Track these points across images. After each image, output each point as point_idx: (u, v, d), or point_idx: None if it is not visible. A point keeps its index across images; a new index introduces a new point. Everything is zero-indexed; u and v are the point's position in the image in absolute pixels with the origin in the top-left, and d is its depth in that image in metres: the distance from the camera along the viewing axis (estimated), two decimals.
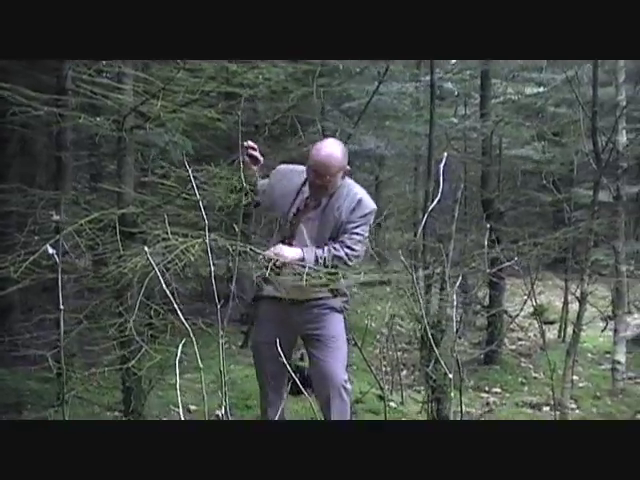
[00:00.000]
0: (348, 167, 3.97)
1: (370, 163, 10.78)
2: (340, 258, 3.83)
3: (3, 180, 5.96)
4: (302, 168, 4.01)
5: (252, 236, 6.72)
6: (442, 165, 4.46)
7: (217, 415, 4.57)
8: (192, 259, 3.10)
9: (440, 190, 4.44)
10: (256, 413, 5.37)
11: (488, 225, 5.91)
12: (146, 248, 2.82)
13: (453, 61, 9.65)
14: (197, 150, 6.00)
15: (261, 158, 4.10)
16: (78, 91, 4.29)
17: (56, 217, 3.64)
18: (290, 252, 3.83)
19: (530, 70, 9.15)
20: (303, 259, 3.78)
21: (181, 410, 2.69)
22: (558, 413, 5.50)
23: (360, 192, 4.00)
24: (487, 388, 7.21)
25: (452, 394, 3.82)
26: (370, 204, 3.99)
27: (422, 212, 5.51)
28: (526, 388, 7.26)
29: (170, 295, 2.66)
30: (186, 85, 4.07)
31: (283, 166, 4.26)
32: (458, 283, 4.17)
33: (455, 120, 9.12)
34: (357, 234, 3.91)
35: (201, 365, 2.47)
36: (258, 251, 3.48)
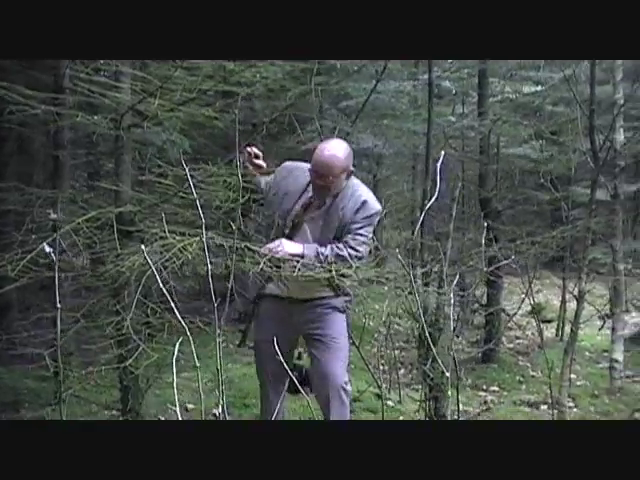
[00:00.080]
0: (352, 168, 3.92)
1: (368, 162, 10.77)
2: (343, 258, 3.78)
3: (0, 179, 5.95)
4: (307, 166, 3.94)
5: (251, 235, 6.71)
6: (439, 164, 4.46)
7: (214, 414, 4.59)
8: (189, 257, 3.11)
9: (438, 189, 4.45)
10: (253, 412, 5.38)
11: (486, 224, 5.92)
12: (143, 247, 2.82)
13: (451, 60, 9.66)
14: (194, 149, 5.99)
15: (264, 164, 4.08)
16: (76, 90, 4.29)
17: (53, 215, 3.64)
18: (291, 246, 3.80)
19: (528, 69, 9.15)
20: (303, 255, 3.75)
21: (178, 409, 2.69)
22: (556, 411, 5.50)
23: (365, 193, 3.95)
24: (485, 387, 7.22)
25: (449, 393, 3.82)
26: (375, 205, 3.95)
27: (420, 210, 5.50)
28: (524, 386, 7.26)
29: (167, 293, 2.65)
30: (183, 84, 4.07)
31: (288, 163, 4.19)
32: (456, 281, 4.17)
33: (453, 119, 9.11)
34: (361, 235, 3.87)
35: (198, 364, 2.47)
36: (255, 248, 3.47)
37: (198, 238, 3.04)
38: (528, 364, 8.08)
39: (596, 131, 6.25)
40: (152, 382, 4.62)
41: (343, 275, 3.71)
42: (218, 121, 4.35)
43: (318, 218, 3.93)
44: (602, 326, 9.26)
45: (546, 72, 8.82)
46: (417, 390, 6.15)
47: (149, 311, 3.82)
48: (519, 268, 7.46)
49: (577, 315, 5.89)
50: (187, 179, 3.03)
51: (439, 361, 3.70)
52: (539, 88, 8.88)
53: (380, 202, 4.15)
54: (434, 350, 4.12)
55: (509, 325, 8.96)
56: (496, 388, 7.20)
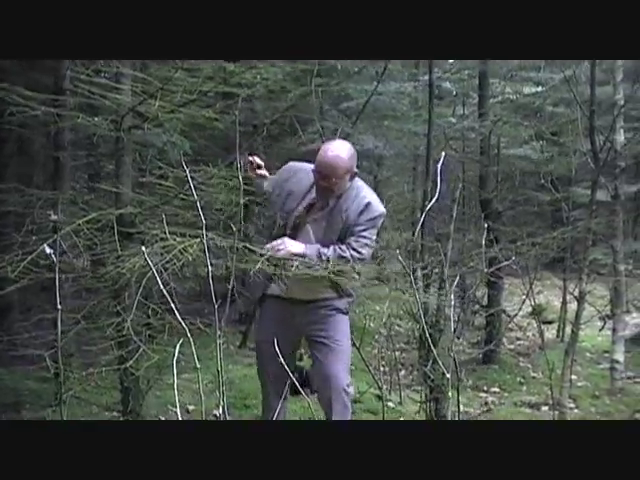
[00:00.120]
0: (356, 169, 3.89)
1: (369, 163, 10.78)
2: (345, 259, 3.75)
3: (1, 180, 5.96)
4: (311, 167, 3.91)
5: (252, 236, 6.71)
6: (440, 165, 4.46)
7: (215, 415, 4.59)
8: (190, 259, 3.11)
9: (438, 190, 4.45)
10: (254, 413, 5.38)
11: (486, 225, 5.92)
12: (144, 248, 2.82)
13: (451, 60, 9.66)
14: (195, 150, 6.00)
15: (266, 173, 4.07)
16: (76, 91, 4.28)
17: (54, 217, 3.64)
18: (293, 245, 3.77)
19: (528, 70, 9.16)
20: (305, 255, 3.73)
21: (179, 410, 2.69)
22: (557, 412, 5.50)
23: (369, 195, 3.92)
24: (486, 388, 7.22)
25: (450, 394, 3.82)
26: (378, 208, 3.91)
27: (420, 211, 5.51)
28: (525, 388, 7.27)
29: (168, 295, 2.66)
30: (184, 85, 4.07)
31: (292, 163, 4.16)
32: (456, 283, 4.16)
33: (453, 120, 9.12)
34: (364, 237, 3.84)
35: (198, 365, 2.47)
36: (253, 248, 3.47)
37: (199, 239, 3.04)
38: (529, 365, 8.08)
39: (596, 132, 6.25)
40: (153, 383, 4.62)
41: (341, 271, 3.68)
42: (219, 122, 4.35)
43: (321, 219, 3.90)
44: (603, 327, 9.26)
45: (546, 73, 8.83)
46: (418, 391, 6.15)
47: (150, 312, 3.82)
48: (520, 269, 7.46)
49: (578, 316, 5.89)
50: (188, 181, 3.03)
51: (440, 362, 3.70)
52: (539, 89, 8.89)
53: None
54: (435, 351, 4.12)
55: (510, 326, 8.96)
56: (497, 389, 7.21)
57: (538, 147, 8.84)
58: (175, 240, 3.12)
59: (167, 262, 3.08)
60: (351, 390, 4.10)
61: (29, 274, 3.44)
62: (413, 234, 5.51)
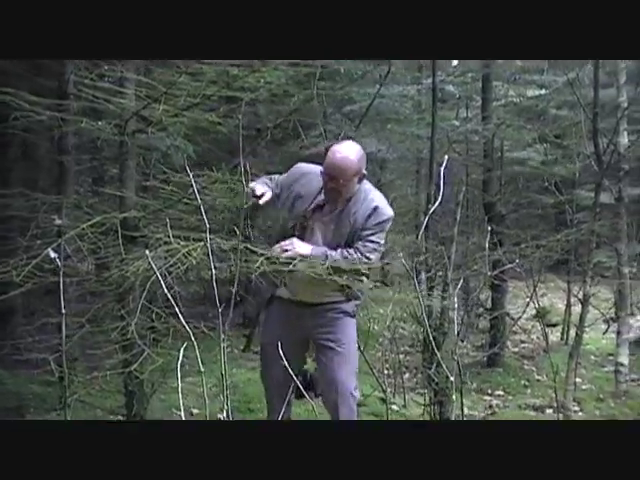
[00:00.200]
0: (364, 172, 3.85)
1: (372, 166, 10.76)
2: (352, 263, 3.72)
3: (5, 184, 5.96)
4: (320, 169, 3.87)
5: (255, 239, 6.72)
6: (443, 168, 4.46)
7: (219, 418, 4.59)
8: (194, 262, 3.11)
9: (441, 193, 4.45)
10: (258, 416, 5.38)
11: (490, 228, 5.92)
12: (148, 252, 2.83)
13: (455, 63, 9.68)
14: (199, 154, 6.00)
15: (270, 196, 3.97)
16: (80, 95, 4.30)
17: (58, 221, 3.66)
18: (301, 247, 3.74)
19: (531, 72, 9.16)
20: (312, 257, 3.69)
21: (183, 414, 2.69)
22: (561, 415, 5.50)
23: (377, 198, 3.89)
24: (490, 391, 7.21)
25: (454, 397, 3.82)
26: (387, 211, 3.87)
27: (424, 215, 5.51)
28: (529, 391, 7.26)
29: (172, 298, 2.66)
30: (187, 89, 4.07)
31: (302, 165, 4.10)
32: (460, 285, 4.16)
33: (457, 123, 9.13)
34: (372, 242, 3.81)
35: (202, 369, 2.47)
36: (259, 250, 3.46)
37: (202, 243, 3.04)
38: (533, 368, 8.07)
39: (600, 134, 6.25)
40: (157, 387, 4.63)
41: (349, 274, 3.66)
42: (222, 126, 4.35)
43: (330, 222, 3.87)
44: (607, 330, 9.25)
45: (550, 75, 8.84)
46: (422, 394, 6.15)
47: (154, 316, 3.83)
48: (523, 272, 7.45)
49: (582, 319, 5.88)
50: (191, 184, 3.03)
51: (444, 365, 3.69)
52: (543, 92, 8.89)
53: None
54: (438, 354, 4.12)
55: (514, 329, 8.95)
56: (501, 392, 7.20)
57: (542, 150, 8.83)
58: (179, 244, 3.12)
59: (171, 266, 3.08)
60: (357, 394, 4.09)
61: (33, 278, 3.45)
62: (417, 237, 5.51)
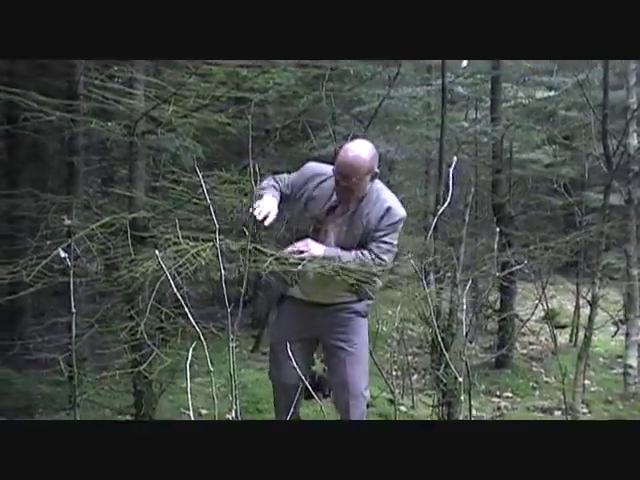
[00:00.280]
0: (377, 170, 3.81)
1: (381, 167, 10.78)
2: (367, 265, 3.69)
3: (15, 185, 5.99)
4: (332, 168, 3.82)
5: (264, 240, 6.72)
6: (452, 169, 4.45)
7: (228, 419, 4.60)
8: (203, 263, 3.11)
9: (450, 194, 4.43)
10: (266, 417, 5.39)
11: (499, 229, 5.92)
12: (157, 252, 2.84)
13: (464, 65, 9.67)
14: (208, 155, 6.01)
15: (276, 213, 3.90)
16: (90, 96, 4.32)
17: (68, 222, 3.67)
18: (316, 248, 3.71)
19: (541, 74, 9.14)
20: (326, 257, 3.65)
21: (192, 414, 2.70)
22: (569, 418, 5.49)
23: (389, 199, 3.86)
24: (498, 392, 7.20)
25: (462, 398, 3.82)
26: (399, 212, 3.84)
27: (433, 216, 5.51)
28: (537, 392, 7.25)
29: (181, 299, 2.67)
30: (197, 90, 4.08)
31: (313, 165, 4.05)
32: (468, 287, 4.15)
33: (466, 124, 9.12)
34: (385, 243, 3.77)
35: (212, 368, 2.48)
36: (263, 249, 3.45)
37: (211, 243, 3.05)
38: (542, 370, 8.06)
39: (609, 136, 6.24)
40: (166, 387, 4.64)
41: (362, 274, 3.64)
42: (231, 127, 4.36)
43: (342, 224, 3.83)
44: (616, 332, 9.22)
45: (559, 77, 8.81)
46: (430, 395, 6.15)
47: (163, 316, 3.84)
48: (532, 273, 7.45)
49: (591, 320, 5.87)
50: (201, 185, 3.04)
51: (452, 366, 3.69)
52: (552, 93, 8.87)
53: None
54: (447, 355, 4.11)
55: (522, 331, 8.94)
56: (509, 394, 7.19)
57: (551, 151, 8.83)
58: (188, 244, 3.13)
59: (180, 266, 3.08)
60: (367, 394, 4.07)
61: (43, 278, 3.46)
62: (425, 238, 5.51)
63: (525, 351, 9.05)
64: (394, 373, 6.84)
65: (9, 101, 4.04)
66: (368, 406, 4.22)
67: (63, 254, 2.78)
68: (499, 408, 6.64)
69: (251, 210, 3.36)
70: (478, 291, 7.78)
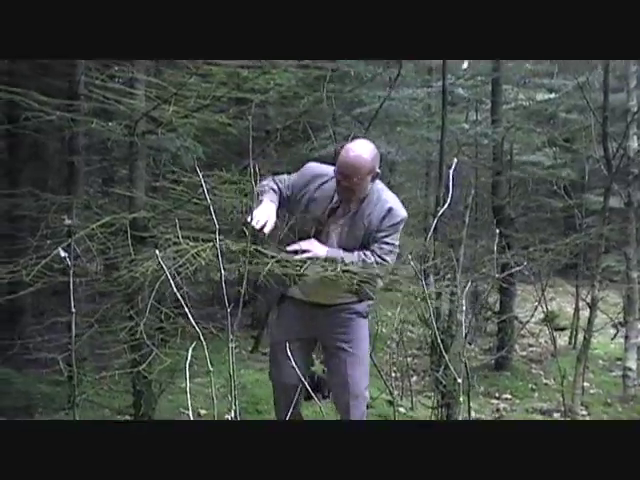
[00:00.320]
0: (378, 170, 3.81)
1: (381, 168, 10.78)
2: (369, 266, 3.67)
3: (15, 184, 5.99)
4: (333, 169, 3.81)
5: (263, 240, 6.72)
6: (453, 171, 4.45)
7: (227, 419, 4.60)
8: (203, 263, 3.11)
9: (450, 195, 4.44)
10: (266, 418, 5.39)
11: (498, 231, 5.91)
12: (157, 252, 2.84)
13: (464, 66, 9.68)
14: (208, 155, 6.01)
15: (274, 222, 3.88)
16: (90, 96, 4.32)
17: (68, 221, 3.67)
18: (319, 248, 3.71)
19: (541, 76, 9.15)
20: (328, 258, 3.64)
21: (191, 414, 2.70)
22: (568, 419, 5.49)
23: (390, 199, 3.86)
24: (497, 394, 7.20)
25: (461, 400, 3.82)
26: (401, 212, 3.84)
27: (433, 217, 5.51)
28: (536, 394, 7.25)
29: (181, 299, 2.67)
30: (197, 90, 4.09)
31: (313, 165, 4.03)
32: (468, 288, 4.15)
33: (466, 126, 9.11)
34: (387, 244, 3.77)
35: (211, 369, 2.48)
36: (263, 250, 3.45)
37: (211, 244, 3.05)
38: (541, 372, 8.07)
39: (609, 138, 6.25)
40: (165, 387, 4.64)
41: (364, 275, 3.63)
42: (232, 128, 4.36)
43: (344, 225, 3.82)
44: (615, 334, 9.23)
45: (560, 79, 8.82)
46: (429, 397, 6.16)
47: (162, 316, 3.84)
48: (532, 275, 7.45)
49: (590, 323, 5.88)
50: (201, 185, 3.04)
51: (451, 368, 3.68)
52: (552, 95, 8.87)
53: None
54: (446, 357, 4.11)
55: (522, 332, 8.94)
56: (509, 396, 7.19)
57: (551, 153, 8.83)
58: (188, 244, 3.13)
59: (180, 266, 3.09)
60: (367, 394, 4.07)
61: (43, 278, 3.47)
62: (425, 240, 5.51)
63: (524, 353, 9.06)
64: (393, 374, 6.85)
65: (10, 101, 4.04)
66: (367, 407, 4.22)
67: (63, 254, 2.79)
68: (498, 410, 6.65)
69: (249, 219, 3.34)
70: (478, 293, 7.79)
